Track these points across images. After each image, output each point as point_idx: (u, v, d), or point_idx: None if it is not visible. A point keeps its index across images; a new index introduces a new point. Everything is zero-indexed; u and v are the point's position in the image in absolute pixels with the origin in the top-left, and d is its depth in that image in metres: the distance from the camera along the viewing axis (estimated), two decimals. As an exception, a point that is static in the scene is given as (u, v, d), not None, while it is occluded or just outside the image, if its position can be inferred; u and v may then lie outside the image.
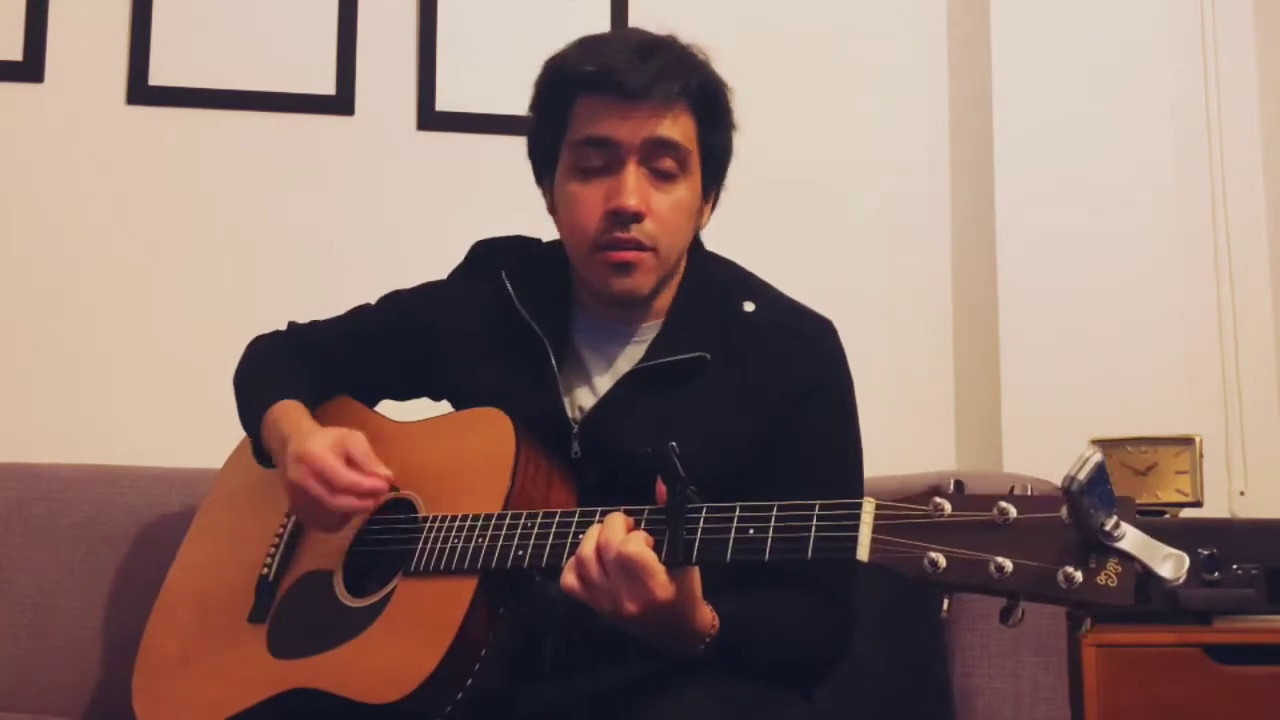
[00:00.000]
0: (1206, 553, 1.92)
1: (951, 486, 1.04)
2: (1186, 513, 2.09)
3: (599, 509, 1.19)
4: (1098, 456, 0.91)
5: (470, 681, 1.21)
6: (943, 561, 0.99)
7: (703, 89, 1.35)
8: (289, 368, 1.52)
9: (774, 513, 1.10)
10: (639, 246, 1.32)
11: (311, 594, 1.37)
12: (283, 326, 1.61)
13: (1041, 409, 2.30)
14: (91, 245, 2.29)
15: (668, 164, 1.33)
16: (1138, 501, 2.09)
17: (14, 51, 2.29)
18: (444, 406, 1.51)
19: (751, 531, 1.10)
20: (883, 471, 1.61)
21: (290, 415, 1.42)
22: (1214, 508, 2.21)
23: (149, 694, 1.45)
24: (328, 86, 2.36)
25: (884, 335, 2.45)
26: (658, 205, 1.33)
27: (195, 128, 2.33)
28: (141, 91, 2.32)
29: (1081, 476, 0.91)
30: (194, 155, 2.33)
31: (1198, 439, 2.12)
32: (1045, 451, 2.18)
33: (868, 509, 1.05)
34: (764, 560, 1.09)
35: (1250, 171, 2.51)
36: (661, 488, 1.14)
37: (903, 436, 2.34)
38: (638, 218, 1.32)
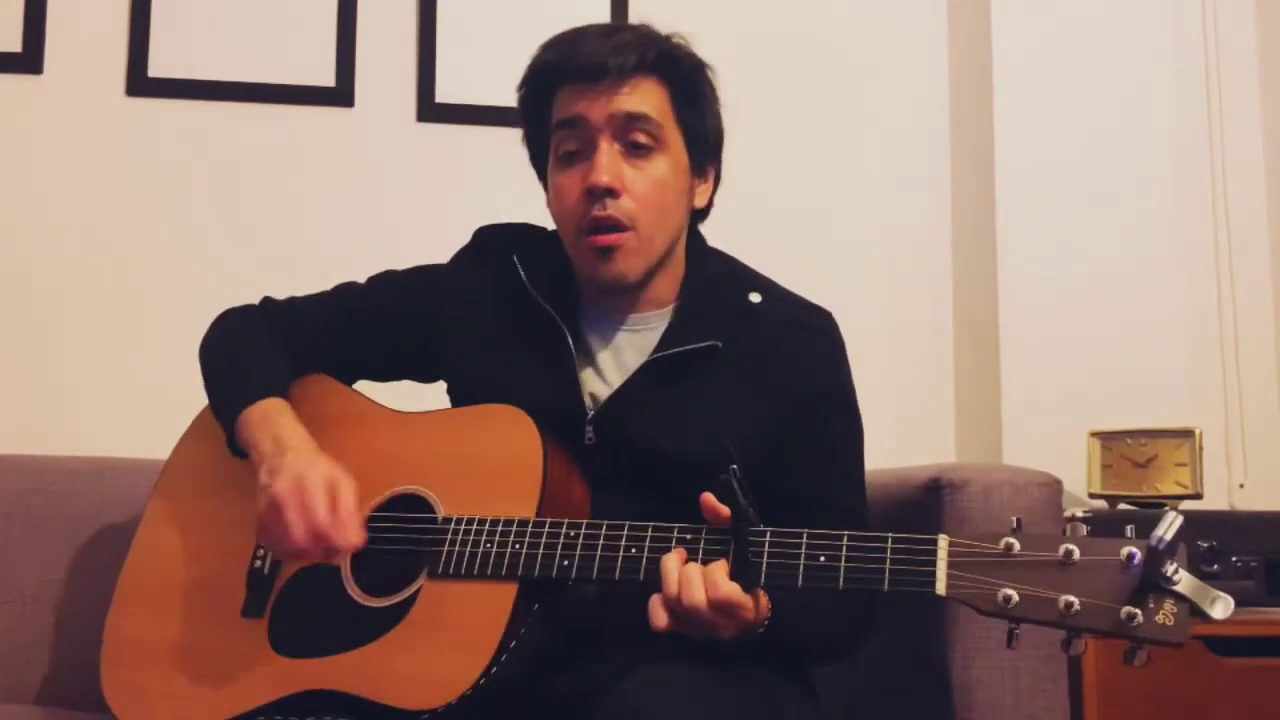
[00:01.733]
0: (1206, 545, 1.93)
1: (1015, 523, 1.12)
2: (1186, 505, 2.09)
3: (650, 524, 1.21)
4: (1180, 520, 1.02)
5: (495, 669, 1.20)
6: (1016, 597, 1.07)
7: (664, 60, 1.36)
8: (274, 353, 1.47)
9: (845, 541, 1.14)
10: (618, 226, 1.32)
11: (317, 590, 1.33)
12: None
13: (1041, 401, 2.30)
14: (91, 238, 2.28)
15: (640, 138, 1.34)
16: (1137, 494, 2.11)
17: (13, 43, 2.29)
18: (429, 390, 1.50)
19: (823, 559, 1.14)
20: (883, 464, 1.61)
21: (284, 420, 1.37)
22: (1213, 500, 2.22)
23: (125, 686, 1.40)
24: (327, 78, 2.36)
25: (884, 327, 2.45)
26: (634, 182, 1.33)
27: (195, 120, 2.33)
28: (141, 83, 2.32)
29: (1169, 536, 1.01)
30: (193, 147, 2.33)
31: (1197, 431, 2.12)
32: (1045, 444, 2.21)
33: (942, 545, 1.11)
34: (838, 588, 1.13)
35: (1251, 163, 2.51)
36: (710, 502, 1.16)
37: (903, 429, 2.34)
38: (612, 193, 1.32)
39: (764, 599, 1.20)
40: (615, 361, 1.40)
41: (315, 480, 1.27)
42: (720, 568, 1.13)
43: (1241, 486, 2.39)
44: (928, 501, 1.53)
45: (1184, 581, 1.03)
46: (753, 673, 1.24)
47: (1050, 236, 2.36)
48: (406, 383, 1.56)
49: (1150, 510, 2.08)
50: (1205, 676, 1.86)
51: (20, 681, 1.83)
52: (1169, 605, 1.04)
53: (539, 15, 2.39)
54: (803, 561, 1.14)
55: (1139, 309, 2.35)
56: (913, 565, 1.11)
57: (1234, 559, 1.92)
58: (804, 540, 1.15)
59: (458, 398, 1.47)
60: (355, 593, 1.31)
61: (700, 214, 1.45)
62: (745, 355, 1.36)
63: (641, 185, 1.33)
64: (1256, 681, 1.88)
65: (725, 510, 1.15)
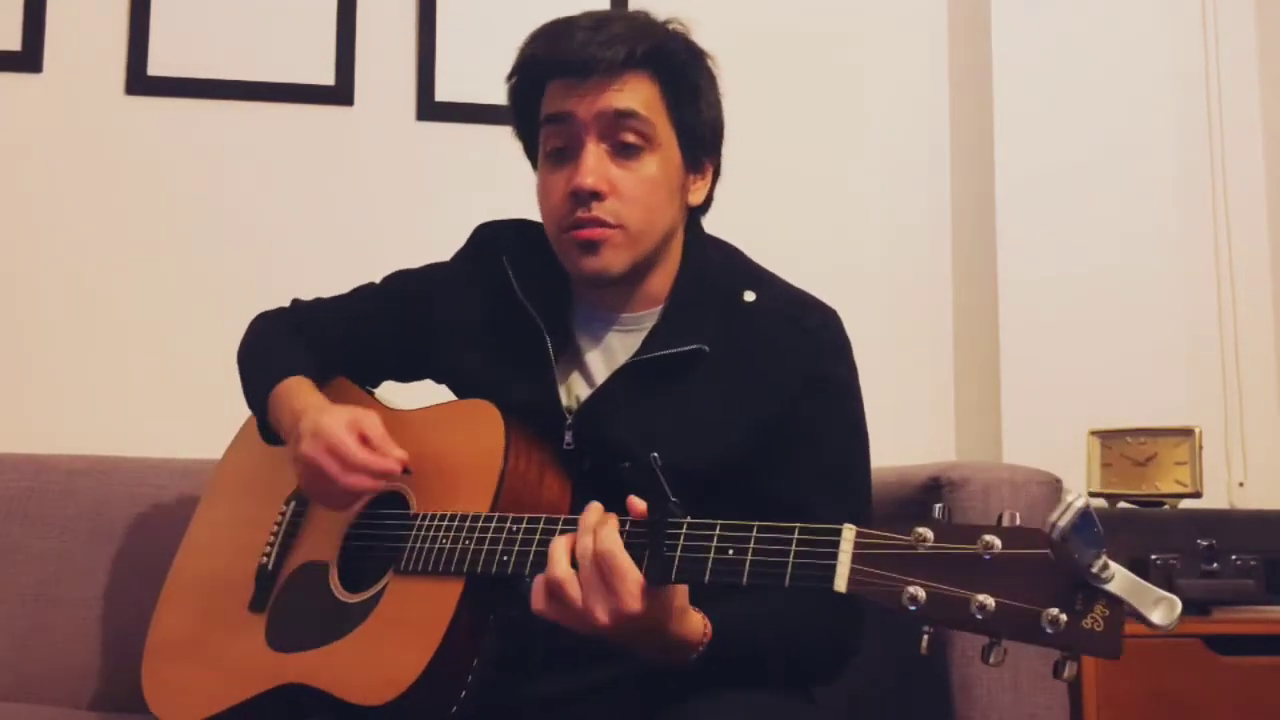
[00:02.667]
0: (1205, 544, 1.93)
1: (937, 513, 0.99)
2: (1186, 504, 2.09)
3: (580, 517, 1.15)
4: (1080, 502, 0.85)
5: (464, 694, 1.19)
6: (923, 596, 0.94)
7: (656, 54, 1.30)
8: (294, 344, 1.50)
9: (754, 533, 1.05)
10: (602, 224, 1.28)
11: (308, 586, 1.36)
12: None
13: (1041, 399, 2.30)
14: (90, 236, 2.29)
15: (629, 137, 1.29)
16: (1137, 493, 2.11)
17: (12, 41, 2.29)
18: (445, 389, 1.51)
19: (731, 552, 1.05)
20: (882, 462, 1.61)
21: (301, 391, 1.40)
22: (1213, 498, 2.21)
23: (156, 679, 1.45)
24: (327, 77, 2.36)
25: (884, 325, 2.45)
26: (621, 183, 1.28)
27: (194, 118, 2.33)
28: (140, 82, 2.32)
29: (1063, 524, 0.85)
30: (193, 146, 2.33)
31: (1197, 430, 2.12)
32: (1045, 442, 2.21)
33: (847, 537, 1.00)
34: (741, 584, 1.04)
35: (1251, 162, 2.51)
36: (632, 501, 1.10)
37: (903, 427, 2.34)
38: (597, 196, 1.27)
39: (699, 622, 1.14)
40: (605, 363, 1.36)
41: (333, 424, 1.28)
42: (614, 525, 1.07)
43: (1241, 485, 2.40)
44: (927, 501, 1.53)
45: (1117, 579, 0.88)
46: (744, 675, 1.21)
47: (1050, 236, 2.36)
48: (429, 381, 1.55)
49: (1149, 509, 2.08)
50: (1205, 676, 1.86)
51: (19, 680, 1.83)
52: (1100, 608, 0.88)
53: (539, 13, 2.37)
54: (711, 555, 1.05)
55: (1139, 308, 2.35)
56: (815, 559, 1.00)
57: (1233, 558, 1.92)
58: (716, 532, 1.06)
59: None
60: (337, 589, 1.32)
61: (700, 209, 1.41)
62: (733, 358, 1.31)
63: (629, 186, 1.28)
64: (1256, 681, 1.87)
65: (643, 505, 1.09)
